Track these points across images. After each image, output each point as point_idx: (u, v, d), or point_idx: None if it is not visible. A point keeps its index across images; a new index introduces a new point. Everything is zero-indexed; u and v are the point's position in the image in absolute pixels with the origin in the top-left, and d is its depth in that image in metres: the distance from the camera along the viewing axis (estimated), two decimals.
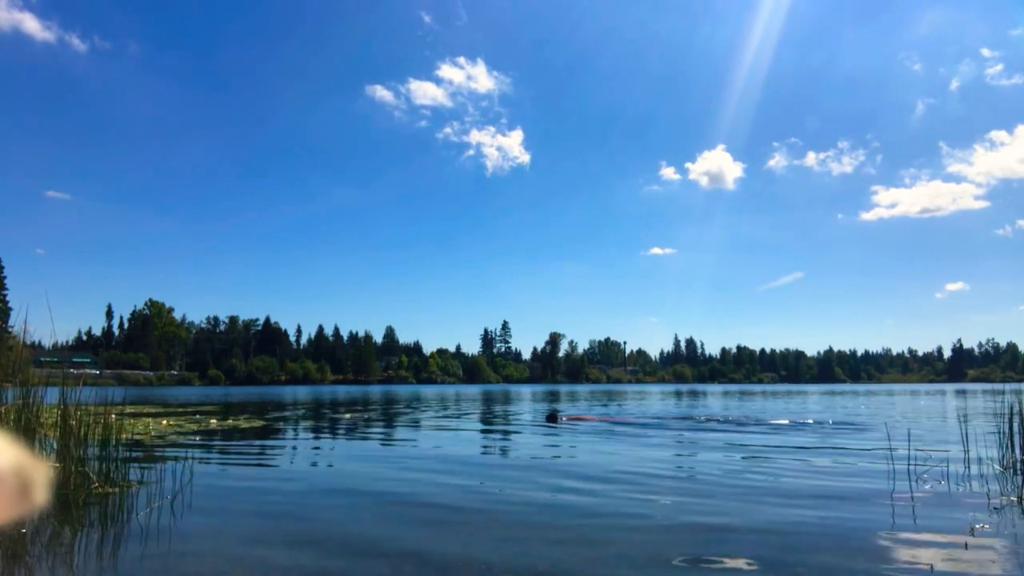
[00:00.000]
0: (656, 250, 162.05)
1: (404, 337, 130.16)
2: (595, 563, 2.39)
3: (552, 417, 10.18)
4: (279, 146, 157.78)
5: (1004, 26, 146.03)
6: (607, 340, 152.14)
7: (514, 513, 3.29)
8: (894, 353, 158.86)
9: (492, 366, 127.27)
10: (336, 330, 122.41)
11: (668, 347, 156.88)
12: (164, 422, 9.57)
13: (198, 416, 11.45)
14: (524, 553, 2.52)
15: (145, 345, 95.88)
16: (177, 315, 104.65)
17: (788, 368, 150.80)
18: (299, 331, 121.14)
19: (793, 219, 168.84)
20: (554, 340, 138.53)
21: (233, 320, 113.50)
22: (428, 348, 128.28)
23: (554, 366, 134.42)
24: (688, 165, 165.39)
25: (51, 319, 4.43)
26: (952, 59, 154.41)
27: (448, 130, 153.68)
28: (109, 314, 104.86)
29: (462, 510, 3.37)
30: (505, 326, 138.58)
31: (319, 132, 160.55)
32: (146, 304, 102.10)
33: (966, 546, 2.58)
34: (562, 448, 6.57)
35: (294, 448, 6.81)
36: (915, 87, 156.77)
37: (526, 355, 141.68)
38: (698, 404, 18.23)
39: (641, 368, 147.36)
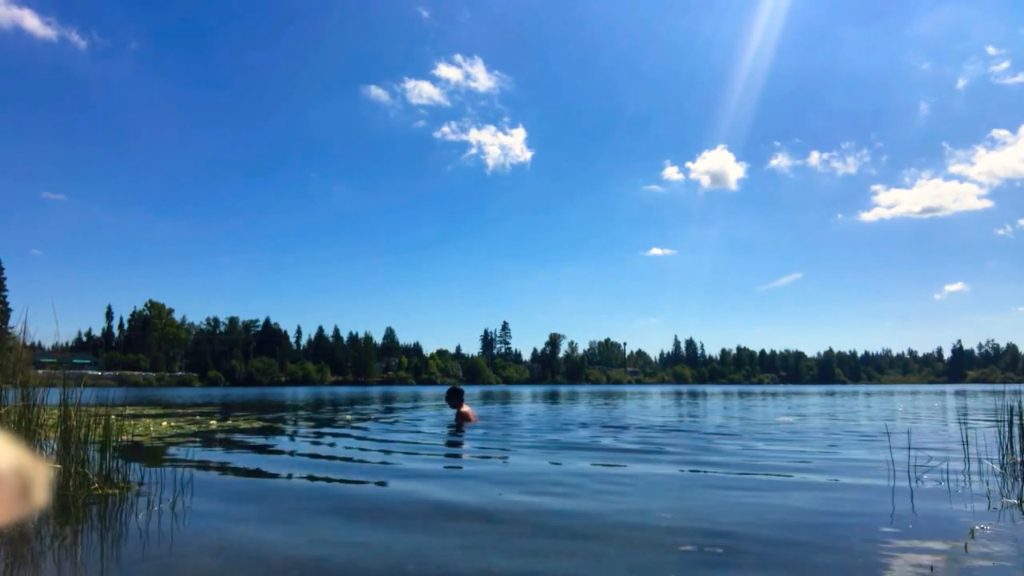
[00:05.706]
0: (656, 251, 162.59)
1: (404, 338, 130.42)
2: None
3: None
4: (279, 146, 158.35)
5: (1012, 23, 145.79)
6: (607, 341, 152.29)
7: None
8: (894, 354, 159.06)
9: (492, 367, 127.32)
10: (336, 331, 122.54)
11: (668, 348, 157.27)
12: (164, 423, 9.57)
13: (198, 417, 11.44)
14: None
15: (145, 346, 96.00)
16: (177, 316, 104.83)
17: (788, 369, 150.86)
18: (299, 332, 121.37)
19: (793, 219, 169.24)
20: (554, 341, 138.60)
21: (233, 321, 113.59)
22: (428, 349, 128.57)
23: (554, 367, 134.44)
24: (689, 164, 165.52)
25: (55, 320, 4.44)
26: (958, 57, 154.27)
27: (446, 129, 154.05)
28: (109, 315, 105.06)
29: (464, 511, 3.37)
30: (505, 327, 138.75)
31: (319, 132, 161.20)
32: (146, 305, 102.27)
33: (966, 548, 2.58)
34: None
35: (294, 450, 6.80)
36: (920, 86, 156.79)
37: (526, 356, 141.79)
38: (686, 407, 18.17)
39: (641, 369, 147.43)
